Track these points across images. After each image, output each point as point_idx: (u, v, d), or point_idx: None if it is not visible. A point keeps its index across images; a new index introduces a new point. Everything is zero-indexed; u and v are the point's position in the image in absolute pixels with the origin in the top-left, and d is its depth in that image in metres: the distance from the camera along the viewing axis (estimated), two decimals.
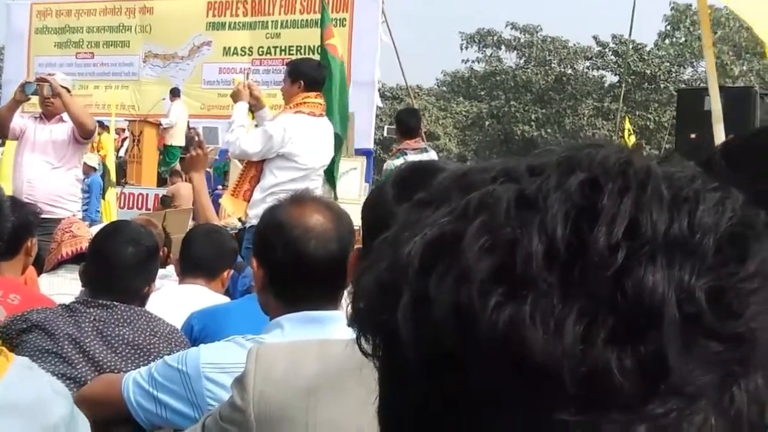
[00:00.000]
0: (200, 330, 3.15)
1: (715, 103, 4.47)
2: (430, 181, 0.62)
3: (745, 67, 34.12)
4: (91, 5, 18.33)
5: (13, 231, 2.91)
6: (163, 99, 16.74)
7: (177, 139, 16.35)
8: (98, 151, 14.01)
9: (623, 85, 27.90)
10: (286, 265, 2.15)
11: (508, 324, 0.51)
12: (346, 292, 2.15)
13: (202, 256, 3.82)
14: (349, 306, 0.62)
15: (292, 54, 14.36)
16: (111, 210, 11.16)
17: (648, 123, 36.18)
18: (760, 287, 0.54)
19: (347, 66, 10.63)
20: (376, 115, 16.52)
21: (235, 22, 16.62)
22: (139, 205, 13.73)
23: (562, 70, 39.96)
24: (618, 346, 0.50)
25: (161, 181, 15.73)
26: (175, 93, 16.49)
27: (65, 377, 2.64)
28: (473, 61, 42.47)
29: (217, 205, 6.78)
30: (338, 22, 13.85)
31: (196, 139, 6.74)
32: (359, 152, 11.90)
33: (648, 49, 37.93)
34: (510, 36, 40.75)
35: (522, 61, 40.92)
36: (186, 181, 12.16)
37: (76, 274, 3.69)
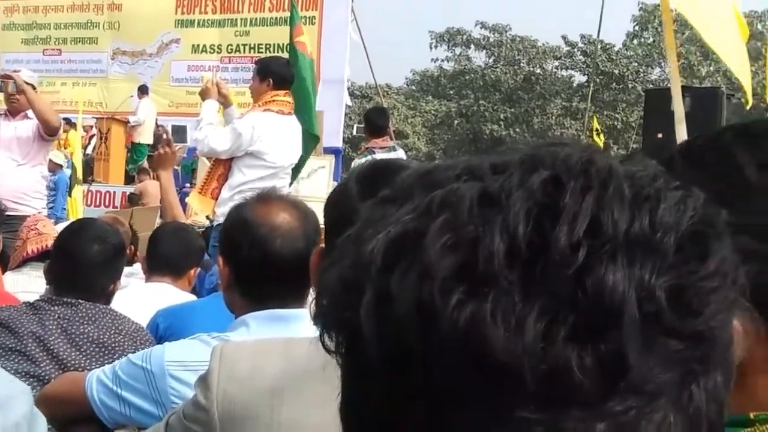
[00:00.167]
0: (166, 328, 3.14)
1: (677, 105, 4.48)
2: (393, 178, 0.61)
3: (712, 68, 34.45)
4: (58, 1, 18.11)
5: None
6: (131, 96, 16.61)
7: (145, 136, 16.27)
8: (65, 149, 13.92)
9: (591, 85, 28.14)
10: (252, 263, 2.15)
11: (469, 322, 0.51)
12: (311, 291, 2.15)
13: (169, 254, 3.81)
14: (313, 303, 0.62)
15: (261, 52, 14.28)
16: (77, 207, 11.09)
17: (616, 123, 36.47)
18: (720, 286, 0.54)
19: (316, 64, 10.60)
20: (345, 114, 16.52)
21: (204, 20, 16.51)
22: (107, 203, 13.61)
23: (531, 69, 40.19)
24: (578, 344, 0.50)
25: (129, 179, 15.62)
26: (143, 90, 16.38)
27: (29, 375, 2.62)
28: (442, 60, 42.69)
29: (184, 204, 6.75)
30: (308, 20, 13.80)
31: (165, 137, 6.72)
32: (328, 151, 11.86)
33: (616, 49, 38.26)
34: (479, 35, 40.98)
35: (491, 61, 41.13)
36: (154, 178, 12.11)
37: (41, 272, 3.66)
